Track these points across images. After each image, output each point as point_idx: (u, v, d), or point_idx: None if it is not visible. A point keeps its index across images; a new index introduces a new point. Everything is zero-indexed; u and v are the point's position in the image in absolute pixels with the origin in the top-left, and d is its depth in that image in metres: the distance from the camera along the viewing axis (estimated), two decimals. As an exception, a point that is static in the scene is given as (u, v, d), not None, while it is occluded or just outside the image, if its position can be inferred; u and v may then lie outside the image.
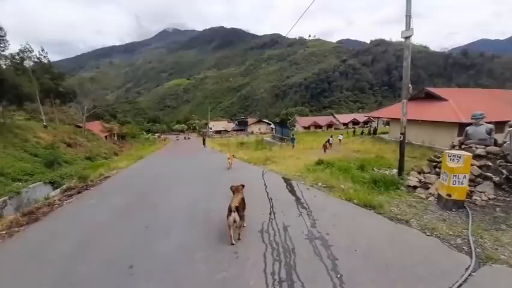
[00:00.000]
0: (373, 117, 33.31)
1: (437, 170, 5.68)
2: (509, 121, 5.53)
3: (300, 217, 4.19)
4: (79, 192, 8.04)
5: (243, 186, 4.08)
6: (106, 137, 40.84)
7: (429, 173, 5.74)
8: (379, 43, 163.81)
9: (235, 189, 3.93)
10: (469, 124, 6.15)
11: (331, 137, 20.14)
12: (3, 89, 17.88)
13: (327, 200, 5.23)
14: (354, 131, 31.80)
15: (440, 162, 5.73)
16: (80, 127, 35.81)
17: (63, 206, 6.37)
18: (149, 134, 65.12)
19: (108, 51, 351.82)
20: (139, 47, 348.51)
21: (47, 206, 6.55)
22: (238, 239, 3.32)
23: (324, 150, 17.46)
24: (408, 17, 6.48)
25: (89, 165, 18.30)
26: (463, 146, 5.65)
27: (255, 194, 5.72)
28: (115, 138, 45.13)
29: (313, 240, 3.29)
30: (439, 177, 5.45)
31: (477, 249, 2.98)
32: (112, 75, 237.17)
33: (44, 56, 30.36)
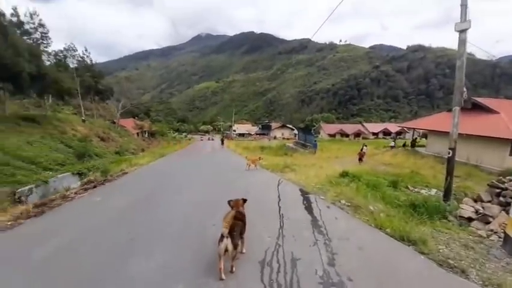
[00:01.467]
0: (408, 127, 30.34)
1: (500, 199, 4.39)
2: None
3: (315, 247, 3.33)
4: (94, 187, 8.07)
5: (244, 200, 3.36)
6: (137, 133, 43.18)
7: (489, 202, 4.47)
8: (417, 49, 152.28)
9: (233, 205, 3.23)
10: None
11: (365, 145, 18.41)
12: (45, 84, 19.53)
13: (352, 225, 4.27)
14: (394, 142, 29.19)
15: (505, 189, 4.44)
16: (115, 123, 38.32)
17: (73, 200, 6.29)
18: (176, 133, 67.66)
19: (147, 54, 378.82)
20: (174, 51, 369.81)
21: (61, 199, 6.54)
22: (231, 271, 2.60)
23: (360, 160, 16.10)
24: (464, 6, 5.32)
25: (116, 159, 19.07)
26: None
27: (264, 209, 4.99)
28: (146, 135, 47.56)
29: (330, 288, 2.44)
30: (503, 209, 4.19)
31: None
32: (148, 77, 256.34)
33: (87, 56, 33.18)
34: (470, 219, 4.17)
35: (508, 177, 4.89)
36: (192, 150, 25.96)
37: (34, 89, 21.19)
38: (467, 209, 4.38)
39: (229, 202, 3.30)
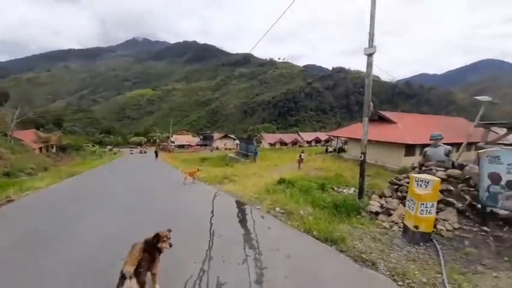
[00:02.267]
0: (333, 136, 35.00)
1: (398, 193, 5.27)
2: (477, 142, 5.48)
3: (244, 264, 3.11)
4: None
5: (155, 239, 2.48)
6: (40, 148, 34.57)
7: (390, 196, 5.30)
8: (340, 70, 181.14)
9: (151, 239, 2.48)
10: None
11: (302, 152, 20.35)
12: None
13: (283, 233, 4.28)
14: (326, 149, 33.15)
15: (401, 185, 5.36)
16: (7, 135, 29.79)
17: None
18: (97, 147, 57.61)
19: (64, 54, 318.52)
20: (102, 53, 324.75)
21: None
22: (136, 320, 2.06)
23: (299, 166, 17.55)
24: (371, 34, 6.38)
25: (2, 183, 14.56)
26: (423, 168, 5.39)
27: (194, 228, 4.51)
28: (53, 150, 38.68)
29: (253, 311, 2.23)
30: (401, 202, 5.03)
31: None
32: (64, 80, 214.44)
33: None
34: (377, 213, 4.83)
35: (403, 175, 5.96)
36: (116, 165, 22.40)
37: None
38: (374, 204, 5.09)
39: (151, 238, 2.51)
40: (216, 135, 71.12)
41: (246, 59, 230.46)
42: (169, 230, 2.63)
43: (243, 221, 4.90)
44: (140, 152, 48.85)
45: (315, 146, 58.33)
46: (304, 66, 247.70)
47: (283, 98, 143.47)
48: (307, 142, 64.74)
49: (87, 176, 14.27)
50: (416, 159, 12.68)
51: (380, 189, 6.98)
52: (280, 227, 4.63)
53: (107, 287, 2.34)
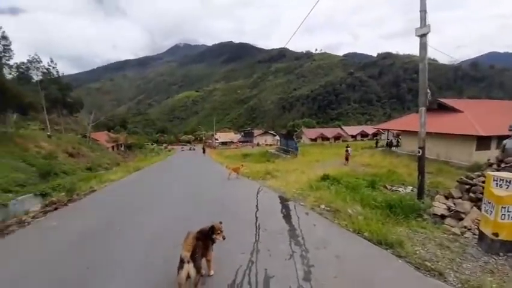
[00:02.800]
0: (383, 129, 31.85)
1: (470, 195, 4.51)
2: None
3: (291, 260, 3.10)
4: (55, 209, 7.28)
5: (211, 230, 2.72)
6: (112, 147, 40.80)
7: (460, 198, 4.56)
8: (386, 56, 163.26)
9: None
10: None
11: (348, 146, 18.92)
12: (4, 98, 17.86)
13: (330, 232, 4.11)
14: (376, 143, 30.61)
15: (475, 185, 4.57)
16: (86, 137, 35.98)
17: (28, 226, 5.53)
18: (155, 145, 65.02)
19: (122, 64, 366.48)
20: (152, 61, 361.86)
21: (16, 224, 5.76)
22: (195, 301, 2.27)
23: (347, 161, 16.85)
24: (423, 12, 5.59)
25: (85, 176, 17.66)
26: (503, 165, 4.48)
27: (240, 220, 4.70)
28: (122, 148, 45.13)
29: (304, 308, 2.21)
30: (474, 204, 4.30)
31: None
32: (124, 88, 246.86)
33: (53, 67, 31.10)
34: (443, 217, 4.21)
35: (475, 173, 5.06)
36: (171, 161, 24.87)
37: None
38: (439, 206, 4.43)
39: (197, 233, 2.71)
40: (256, 131, 72.38)
41: (282, 54, 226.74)
42: (220, 223, 2.80)
43: (287, 217, 4.88)
44: (190, 149, 53.51)
45: (361, 140, 54.07)
46: (344, 55, 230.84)
47: (322, 91, 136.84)
48: (352, 136, 60.57)
49: (149, 170, 16.32)
50: (491, 153, 10.66)
51: (446, 188, 6.10)
52: (327, 225, 4.46)
53: (171, 265, 2.62)
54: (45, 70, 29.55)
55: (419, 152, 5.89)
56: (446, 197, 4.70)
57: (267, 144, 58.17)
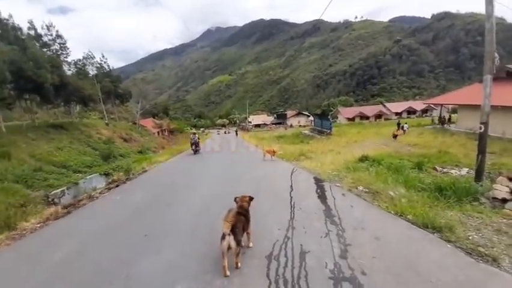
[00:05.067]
0: (434, 104, 28.06)
1: (546, 176, 3.81)
2: None
3: (327, 238, 3.15)
4: (117, 186, 8.46)
5: (251, 198, 3.23)
6: (157, 132, 44.89)
7: (531, 180, 3.90)
8: (443, 17, 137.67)
9: (239, 200, 3.13)
10: None
11: (399, 124, 17.36)
12: (68, 92, 20.75)
13: (369, 213, 4.00)
14: (432, 120, 27.45)
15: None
16: (136, 124, 40.14)
17: (96, 200, 6.62)
18: (194, 129, 69.27)
19: (161, 54, 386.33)
20: (187, 48, 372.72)
21: (87, 199, 6.96)
22: (236, 268, 2.53)
23: (394, 137, 16.36)
24: None
25: (138, 158, 20.01)
26: None
27: (275, 199, 4.87)
28: (165, 133, 49.30)
29: (340, 283, 2.28)
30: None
31: None
32: (164, 76, 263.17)
33: (105, 62, 34.63)
34: (504, 201, 3.68)
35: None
36: (208, 144, 26.36)
37: (59, 98, 22.62)
38: (501, 189, 3.86)
39: (235, 199, 3.21)
40: (289, 113, 70.98)
41: (316, 27, 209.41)
42: (251, 198, 3.21)
43: (322, 197, 4.87)
44: (225, 133, 55.70)
45: (408, 118, 48.63)
46: (390, 21, 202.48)
47: (362, 65, 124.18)
48: (396, 114, 54.88)
49: (189, 152, 17.73)
50: None
51: (510, 170, 5.25)
52: (365, 206, 4.32)
53: (214, 236, 2.93)
54: (98, 65, 33.21)
55: (480, 128, 5.10)
56: (510, 179, 4.06)
57: (300, 126, 56.82)
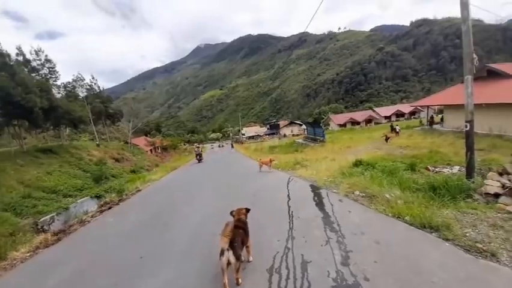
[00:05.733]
0: (421, 106, 29.00)
1: (532, 169, 3.95)
2: None
3: (327, 246, 3.12)
4: (110, 208, 8.21)
5: (247, 210, 3.21)
6: (150, 150, 44.35)
7: (519, 173, 4.02)
8: (421, 23, 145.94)
9: (236, 214, 3.10)
10: None
11: (391, 126, 18.07)
12: (57, 115, 20.49)
13: (367, 217, 4.00)
14: (421, 121, 28.00)
15: (537, 157, 3.98)
16: (128, 143, 39.63)
17: (88, 224, 6.38)
18: (187, 145, 68.69)
19: (152, 73, 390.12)
20: (177, 66, 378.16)
21: (78, 224, 6.69)
22: (237, 284, 2.46)
23: (386, 140, 16.77)
24: None
25: (130, 178, 19.58)
26: None
27: (273, 210, 4.82)
28: (159, 150, 48.72)
29: (344, 290, 2.24)
30: (538, 180, 3.76)
31: None
32: (155, 94, 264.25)
33: (95, 83, 34.62)
34: (496, 195, 3.76)
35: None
36: (204, 159, 26.15)
37: (48, 122, 22.25)
38: (492, 184, 3.96)
39: (231, 212, 3.16)
40: (281, 123, 71.85)
41: (302, 39, 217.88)
42: (247, 210, 3.20)
43: (319, 204, 4.85)
44: (219, 146, 55.31)
45: (397, 120, 49.90)
46: (372, 30, 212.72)
47: (349, 73, 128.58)
48: (386, 118, 56.33)
49: (184, 169, 17.51)
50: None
51: (500, 165, 5.41)
52: (363, 211, 4.33)
53: (213, 252, 2.88)
54: (88, 86, 33.10)
55: (466, 127, 5.29)
56: (500, 174, 4.18)
57: (293, 135, 57.37)
